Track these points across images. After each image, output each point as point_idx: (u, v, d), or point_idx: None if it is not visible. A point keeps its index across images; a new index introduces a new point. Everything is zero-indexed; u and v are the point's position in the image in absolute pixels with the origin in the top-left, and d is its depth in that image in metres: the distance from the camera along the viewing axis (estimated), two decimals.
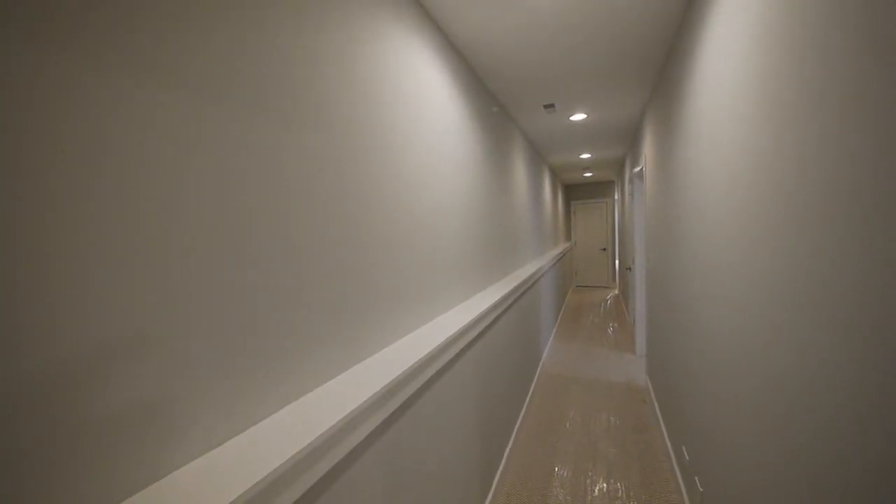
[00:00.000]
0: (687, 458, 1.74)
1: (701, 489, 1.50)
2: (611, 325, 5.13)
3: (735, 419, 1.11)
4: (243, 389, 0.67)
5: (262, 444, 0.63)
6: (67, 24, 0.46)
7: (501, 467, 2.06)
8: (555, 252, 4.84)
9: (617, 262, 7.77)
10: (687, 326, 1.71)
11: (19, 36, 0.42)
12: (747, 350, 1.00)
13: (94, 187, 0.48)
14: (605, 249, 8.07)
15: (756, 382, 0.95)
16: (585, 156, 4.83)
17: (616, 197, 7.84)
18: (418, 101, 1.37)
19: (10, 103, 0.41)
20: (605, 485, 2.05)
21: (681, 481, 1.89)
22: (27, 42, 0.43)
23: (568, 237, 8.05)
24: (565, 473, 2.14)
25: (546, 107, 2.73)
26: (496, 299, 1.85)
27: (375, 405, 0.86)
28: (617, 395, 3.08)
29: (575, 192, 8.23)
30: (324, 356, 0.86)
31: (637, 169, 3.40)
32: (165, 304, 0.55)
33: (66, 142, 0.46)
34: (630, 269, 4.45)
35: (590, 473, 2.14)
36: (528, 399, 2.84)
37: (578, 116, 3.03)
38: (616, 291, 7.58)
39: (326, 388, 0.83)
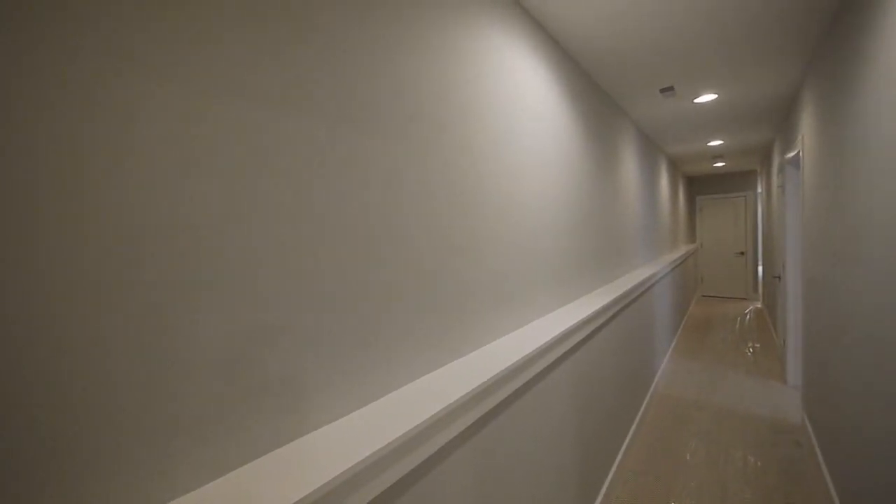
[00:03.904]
0: None
1: None
2: (750, 345, 4.26)
3: None
4: (354, 376, 0.73)
5: (367, 427, 0.68)
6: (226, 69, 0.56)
7: (604, 490, 1.86)
8: (673, 256, 4.22)
9: (760, 268, 6.43)
10: (869, 353, 1.30)
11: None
12: None
13: (246, 206, 0.58)
14: (742, 253, 6.75)
15: None
16: (715, 143, 4.11)
17: (759, 190, 6.50)
18: (514, 101, 1.33)
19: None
20: None
21: None
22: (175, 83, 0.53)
23: (692, 238, 6.96)
24: None
25: (663, 91, 2.40)
26: (599, 306, 1.69)
27: (471, 402, 0.86)
28: (757, 430, 2.53)
29: (701, 185, 7.06)
30: (422, 350, 0.89)
31: (790, 154, 2.75)
32: (297, 298, 0.64)
33: (235, 173, 0.56)
34: (779, 278, 3.63)
35: None
36: (637, 419, 2.53)
37: (706, 98, 2.58)
38: (758, 304, 6.27)
39: (423, 382, 0.86)
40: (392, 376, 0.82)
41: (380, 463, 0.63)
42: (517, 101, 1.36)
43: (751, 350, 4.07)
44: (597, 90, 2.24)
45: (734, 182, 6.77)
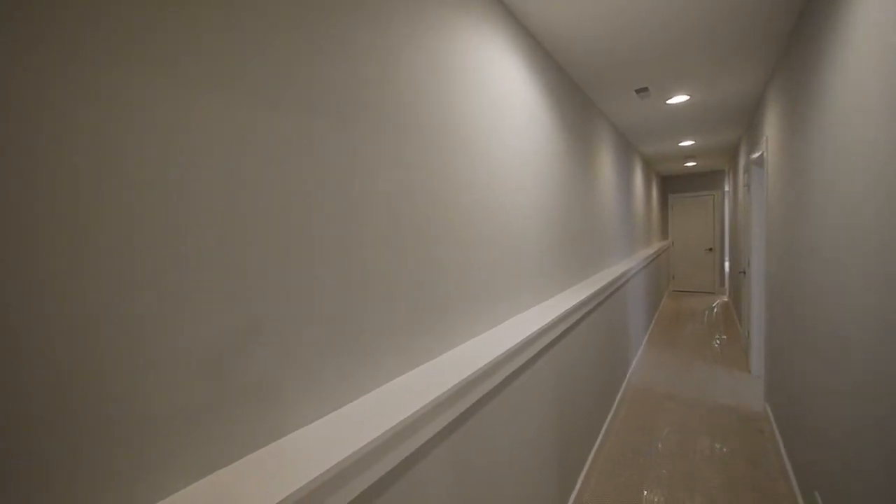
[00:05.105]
0: None
1: None
2: (717, 337, 4.45)
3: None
4: (335, 376, 0.72)
5: (348, 427, 0.67)
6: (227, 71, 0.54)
7: (580, 481, 1.91)
8: (647, 252, 4.36)
9: (727, 264, 6.74)
10: (822, 345, 1.38)
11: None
12: None
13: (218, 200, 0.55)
14: (711, 250, 7.04)
15: None
16: (687, 143, 4.25)
17: (726, 189, 6.79)
18: (497, 101, 1.33)
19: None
20: None
21: None
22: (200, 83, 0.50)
23: (664, 235, 7.21)
24: (656, 499, 1.90)
25: (638, 91, 2.45)
26: (575, 302, 1.72)
27: (451, 399, 0.86)
28: (724, 419, 2.65)
29: (673, 184, 7.31)
30: (401, 349, 0.88)
31: (756, 155, 2.88)
32: (278, 299, 0.62)
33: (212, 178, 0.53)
34: (744, 273, 3.80)
35: None
36: (611, 412, 2.60)
37: (678, 99, 2.67)
38: (725, 298, 6.57)
39: (403, 380, 0.85)
40: (372, 375, 0.81)
41: (362, 461, 0.63)
42: (501, 99, 1.35)
43: (718, 342, 4.26)
44: (575, 89, 2.27)
45: (704, 181, 7.04)
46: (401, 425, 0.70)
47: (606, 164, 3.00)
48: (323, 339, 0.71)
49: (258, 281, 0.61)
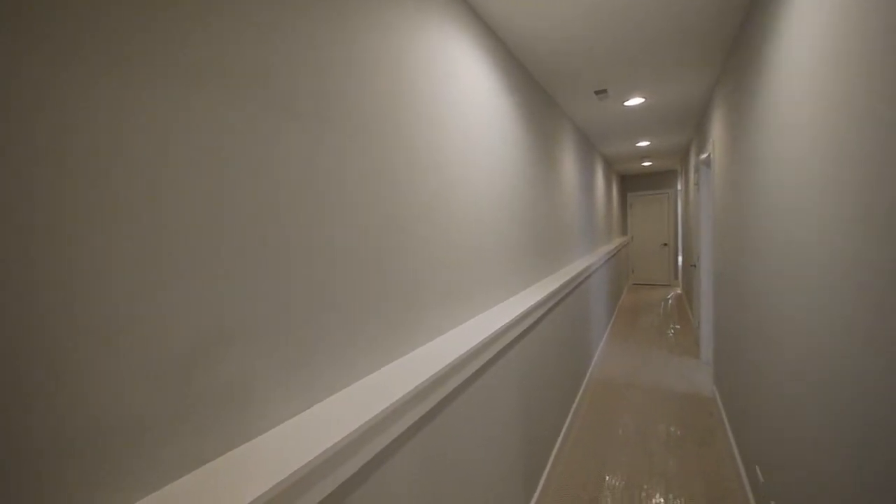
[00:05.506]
0: (761, 479, 1.56)
1: None
2: (671, 327, 4.76)
3: (825, 440, 0.97)
4: (304, 377, 0.70)
5: (311, 430, 0.66)
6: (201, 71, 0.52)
7: (546, 472, 1.99)
8: (608, 248, 4.58)
9: (680, 258, 7.20)
10: (762, 333, 1.53)
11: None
12: (839, 363, 0.86)
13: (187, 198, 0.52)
14: (666, 244, 7.50)
15: (850, 397, 0.82)
16: (643, 143, 4.50)
17: (679, 187, 7.25)
18: (459, 97, 1.33)
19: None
20: (661, 500, 1.90)
21: None
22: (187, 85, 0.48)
23: (624, 231, 7.59)
24: (617, 484, 2.02)
25: (597, 93, 2.57)
26: (540, 297, 1.78)
27: (418, 398, 0.86)
28: (678, 404, 2.85)
29: (632, 183, 7.71)
30: (367, 350, 0.87)
31: (704, 156, 3.10)
32: (249, 301, 0.60)
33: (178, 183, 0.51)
34: (695, 266, 4.09)
35: (645, 487, 2.00)
36: (575, 403, 2.72)
37: (635, 101, 2.82)
38: (679, 290, 7.02)
39: (370, 380, 0.85)
40: (343, 374, 0.79)
41: (331, 461, 0.63)
42: (465, 98, 1.35)
43: (672, 332, 4.55)
44: (539, 90, 2.33)
45: (659, 180, 7.48)
46: (368, 424, 0.70)
47: (569, 163, 3.11)
48: (295, 340, 0.70)
49: (231, 283, 0.60)
